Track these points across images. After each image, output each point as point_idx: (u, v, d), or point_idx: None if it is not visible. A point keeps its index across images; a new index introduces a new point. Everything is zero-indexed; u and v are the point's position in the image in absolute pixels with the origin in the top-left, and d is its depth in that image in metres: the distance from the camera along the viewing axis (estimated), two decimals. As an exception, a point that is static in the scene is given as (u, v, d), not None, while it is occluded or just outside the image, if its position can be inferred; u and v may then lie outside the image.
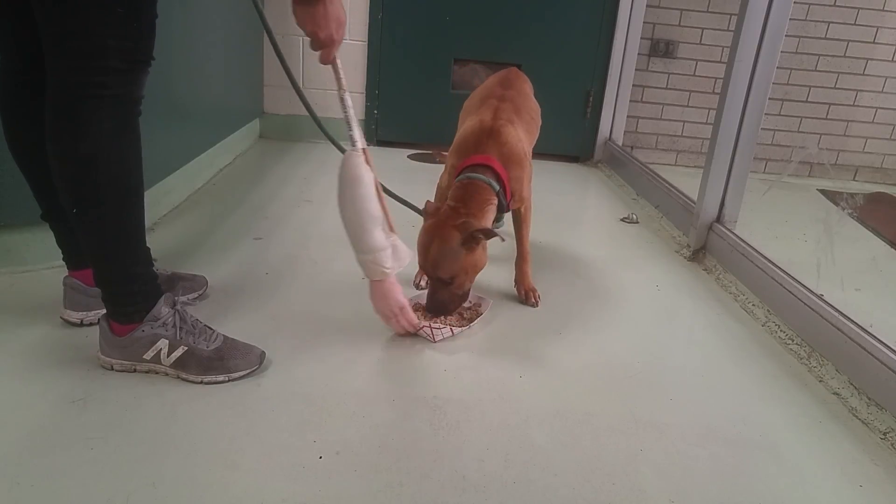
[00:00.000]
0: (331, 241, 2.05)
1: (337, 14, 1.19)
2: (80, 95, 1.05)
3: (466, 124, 1.65)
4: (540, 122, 1.87)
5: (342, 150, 2.09)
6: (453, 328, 1.50)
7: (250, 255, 1.87)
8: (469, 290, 1.55)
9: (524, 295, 1.73)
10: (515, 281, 1.77)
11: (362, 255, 1.36)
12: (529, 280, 1.74)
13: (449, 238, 1.44)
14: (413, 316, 1.46)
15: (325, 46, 1.23)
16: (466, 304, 1.60)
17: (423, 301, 1.55)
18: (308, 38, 1.23)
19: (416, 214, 2.30)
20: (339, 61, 1.29)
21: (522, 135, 1.64)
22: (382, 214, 1.35)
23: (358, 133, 1.35)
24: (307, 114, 1.94)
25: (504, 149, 1.56)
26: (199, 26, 2.27)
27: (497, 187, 1.53)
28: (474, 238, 1.45)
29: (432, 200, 1.62)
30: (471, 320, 1.56)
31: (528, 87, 1.88)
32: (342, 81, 1.32)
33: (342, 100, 1.33)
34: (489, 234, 1.44)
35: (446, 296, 1.50)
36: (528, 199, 1.71)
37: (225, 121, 2.74)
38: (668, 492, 1.08)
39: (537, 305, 1.71)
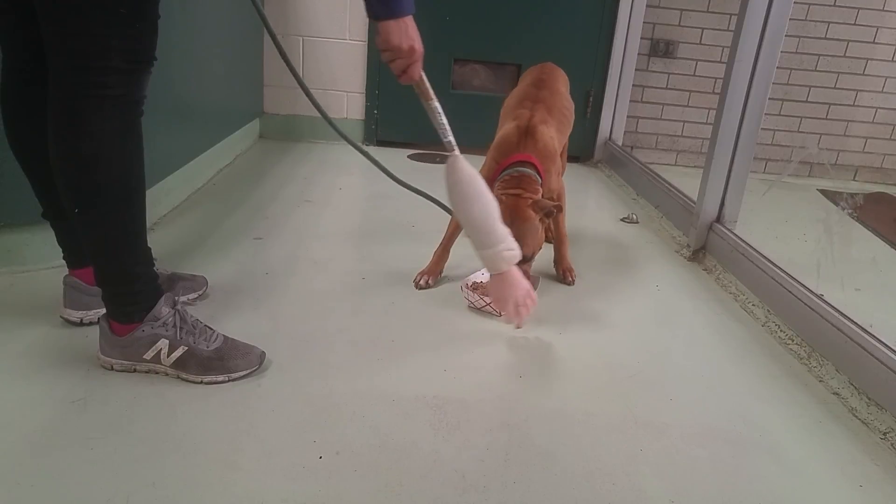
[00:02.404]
0: (331, 241, 2.05)
1: (416, 27, 1.24)
2: (82, 95, 1.05)
3: (505, 126, 1.79)
4: (572, 118, 2.00)
5: (355, 146, 2.11)
6: None
7: (250, 255, 1.87)
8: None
9: (562, 274, 1.89)
10: (554, 261, 1.92)
11: (491, 249, 1.40)
12: (567, 261, 1.90)
13: (530, 216, 1.59)
14: (535, 296, 1.51)
15: (414, 60, 1.27)
16: None
17: (477, 279, 1.71)
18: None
19: (414, 215, 2.30)
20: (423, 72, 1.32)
21: (554, 133, 1.79)
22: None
23: (452, 137, 1.41)
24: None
25: (539, 146, 1.72)
26: (200, 27, 2.27)
27: (540, 179, 1.69)
28: (548, 214, 1.63)
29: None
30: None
31: (561, 84, 1.99)
32: (430, 91, 1.36)
33: (433, 108, 1.37)
34: (557, 206, 1.64)
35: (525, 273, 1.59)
36: (561, 188, 1.86)
37: (225, 121, 2.73)
38: (668, 492, 1.08)
39: (573, 284, 1.85)
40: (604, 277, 1.95)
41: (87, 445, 1.05)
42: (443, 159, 3.26)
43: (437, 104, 1.37)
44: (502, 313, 1.57)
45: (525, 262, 1.59)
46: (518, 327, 1.55)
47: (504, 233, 1.41)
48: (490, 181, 1.72)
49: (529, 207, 1.60)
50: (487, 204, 1.39)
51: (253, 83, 3.17)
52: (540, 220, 1.61)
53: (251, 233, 2.04)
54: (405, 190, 2.16)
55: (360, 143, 2.14)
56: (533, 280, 1.75)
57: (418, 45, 1.25)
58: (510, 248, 1.41)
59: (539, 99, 1.82)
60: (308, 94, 1.92)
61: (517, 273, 1.45)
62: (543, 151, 1.72)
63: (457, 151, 1.41)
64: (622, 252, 2.20)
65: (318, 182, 2.68)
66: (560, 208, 1.66)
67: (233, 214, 2.19)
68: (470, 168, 1.40)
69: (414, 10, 1.22)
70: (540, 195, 1.67)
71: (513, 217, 1.57)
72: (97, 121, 1.07)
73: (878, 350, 1.36)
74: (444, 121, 1.39)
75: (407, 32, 1.22)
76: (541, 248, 1.67)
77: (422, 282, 1.75)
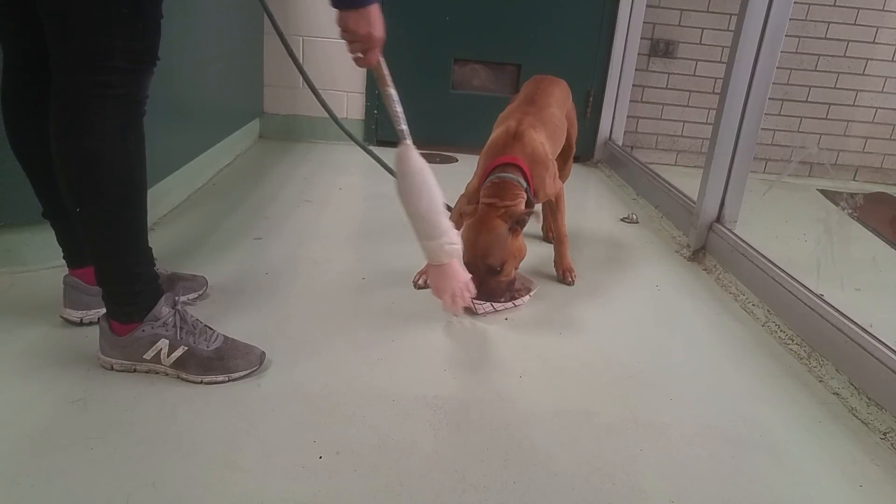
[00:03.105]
0: (331, 241, 2.05)
1: (379, 13, 1.22)
2: (85, 94, 1.05)
3: (494, 132, 1.80)
4: (564, 131, 1.97)
5: (360, 145, 2.12)
6: (494, 304, 1.62)
7: (250, 255, 1.87)
8: (514, 277, 1.68)
9: (562, 274, 1.89)
10: (554, 262, 1.92)
11: (433, 241, 1.41)
12: (567, 261, 1.91)
13: (495, 226, 1.58)
14: (473, 289, 1.53)
15: (371, 46, 1.24)
16: (516, 286, 1.72)
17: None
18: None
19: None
20: (382, 58, 1.32)
21: (545, 139, 1.78)
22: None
23: (406, 127, 1.40)
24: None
25: (527, 150, 1.71)
26: (200, 26, 2.27)
27: (524, 184, 1.66)
28: (519, 222, 1.60)
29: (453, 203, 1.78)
30: (513, 299, 1.67)
31: (554, 100, 1.95)
32: (387, 78, 1.35)
33: (388, 95, 1.36)
34: (530, 213, 1.61)
35: (494, 284, 1.62)
36: (560, 190, 1.87)
37: (225, 121, 2.73)
38: (668, 492, 1.08)
39: (573, 284, 1.85)
40: (604, 277, 1.95)
41: (87, 445, 1.05)
42: (443, 159, 3.27)
43: (393, 91, 1.36)
44: (478, 313, 1.61)
45: (494, 273, 1.59)
46: (455, 315, 1.60)
47: (447, 227, 1.42)
48: (479, 186, 1.72)
49: (499, 217, 1.59)
50: (433, 197, 1.40)
51: (253, 83, 3.17)
52: (511, 228, 1.60)
53: (251, 233, 2.04)
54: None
55: (363, 142, 2.14)
56: (530, 284, 1.75)
57: (377, 32, 1.22)
58: (452, 243, 1.43)
59: (529, 112, 1.82)
60: (314, 91, 1.91)
61: (456, 266, 1.46)
62: (532, 156, 1.71)
63: (408, 141, 1.40)
64: (622, 252, 2.20)
65: (318, 182, 2.68)
66: (533, 215, 1.64)
67: (233, 214, 2.19)
68: (419, 160, 1.40)
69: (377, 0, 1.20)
70: (523, 200, 1.65)
71: (479, 228, 1.57)
72: (99, 120, 1.07)
73: (878, 350, 1.36)
74: (400, 109, 1.38)
75: (367, 19, 1.19)
76: (519, 259, 1.65)
77: (420, 281, 1.76)
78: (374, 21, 1.20)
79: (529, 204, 1.69)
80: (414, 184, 1.39)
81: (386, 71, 1.35)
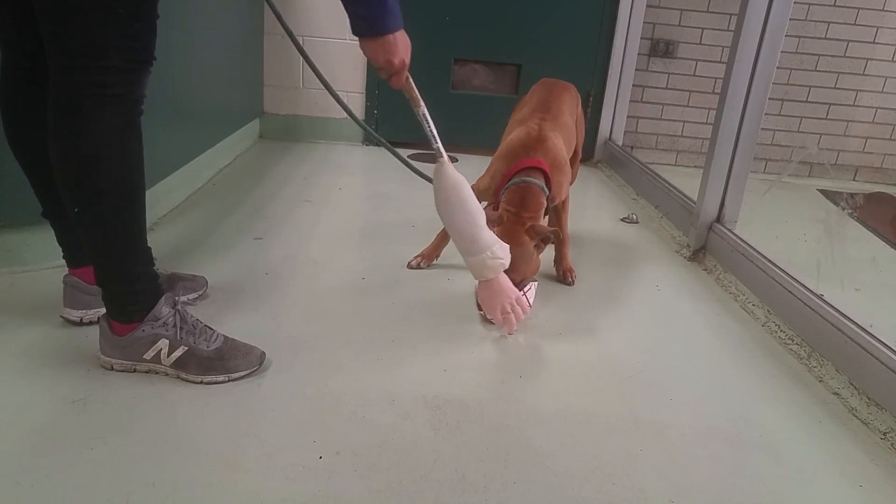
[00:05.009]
0: (331, 241, 2.05)
1: (405, 40, 1.25)
2: (81, 94, 1.05)
3: (513, 134, 1.77)
4: (573, 139, 1.96)
5: (382, 144, 2.11)
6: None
7: (250, 255, 1.87)
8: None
9: (562, 274, 1.88)
10: (555, 261, 1.92)
11: (476, 256, 1.42)
12: (568, 261, 1.91)
13: (524, 242, 1.57)
14: (525, 305, 1.51)
15: (393, 72, 1.27)
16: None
17: None
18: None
19: (415, 215, 2.30)
20: (412, 80, 1.34)
21: (562, 144, 1.78)
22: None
23: (440, 143, 1.42)
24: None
25: (550, 154, 1.70)
26: (199, 26, 2.27)
27: (547, 191, 1.67)
28: (545, 240, 1.59)
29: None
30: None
31: (567, 107, 1.94)
32: (418, 99, 1.37)
33: (421, 116, 1.39)
34: (557, 234, 1.61)
35: None
36: (566, 195, 1.86)
37: (225, 121, 2.73)
38: (668, 492, 1.08)
39: (573, 284, 1.85)
40: (604, 277, 1.95)
41: (87, 445, 1.05)
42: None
43: (424, 111, 1.38)
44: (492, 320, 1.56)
45: (514, 285, 1.57)
46: (509, 333, 1.52)
47: (489, 240, 1.41)
48: (496, 190, 1.71)
49: (525, 232, 1.58)
50: (471, 212, 1.40)
51: (253, 83, 3.17)
52: (536, 245, 1.59)
53: (251, 233, 2.04)
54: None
55: (385, 141, 2.13)
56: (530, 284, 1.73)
57: (398, 60, 1.25)
58: (495, 257, 1.42)
59: (546, 118, 1.81)
60: (332, 93, 1.91)
61: (504, 280, 1.46)
62: (554, 160, 1.70)
63: (444, 158, 1.41)
64: (622, 252, 2.20)
65: (318, 182, 2.68)
66: (558, 235, 1.63)
67: (233, 214, 2.19)
68: (455, 176, 1.40)
69: (396, 28, 1.21)
70: (544, 208, 1.65)
71: (505, 241, 1.54)
72: (97, 120, 1.07)
73: (878, 350, 1.36)
74: (433, 129, 1.40)
75: (384, 47, 1.22)
76: (536, 272, 1.65)
77: (413, 262, 1.81)
78: (393, 49, 1.22)
79: (546, 210, 1.68)
80: (450, 200, 1.39)
81: (416, 92, 1.36)
